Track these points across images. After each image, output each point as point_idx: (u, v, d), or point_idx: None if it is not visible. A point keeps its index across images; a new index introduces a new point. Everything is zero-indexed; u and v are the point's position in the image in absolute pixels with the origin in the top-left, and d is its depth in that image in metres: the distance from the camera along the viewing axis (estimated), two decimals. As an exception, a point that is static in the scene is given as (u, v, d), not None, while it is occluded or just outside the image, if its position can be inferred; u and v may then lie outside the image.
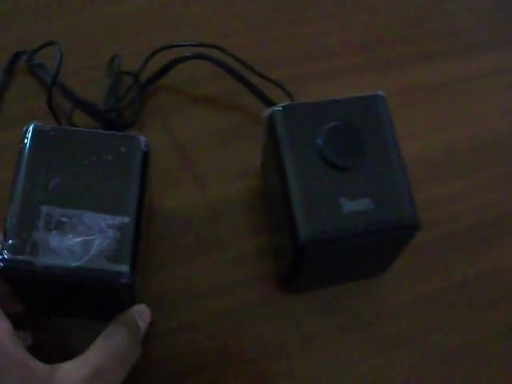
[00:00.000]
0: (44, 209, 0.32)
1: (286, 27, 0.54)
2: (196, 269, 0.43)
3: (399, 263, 0.41)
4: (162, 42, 0.47)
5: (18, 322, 0.32)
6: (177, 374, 0.39)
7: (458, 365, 0.42)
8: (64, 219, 0.32)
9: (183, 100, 0.49)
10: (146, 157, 0.35)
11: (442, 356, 0.42)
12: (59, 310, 0.39)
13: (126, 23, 0.52)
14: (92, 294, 0.34)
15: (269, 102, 0.46)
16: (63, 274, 0.31)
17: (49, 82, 0.44)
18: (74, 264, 0.31)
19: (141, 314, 0.35)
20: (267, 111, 0.39)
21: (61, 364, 0.30)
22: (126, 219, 0.32)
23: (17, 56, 0.49)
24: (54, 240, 0.31)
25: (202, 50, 0.47)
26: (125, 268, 0.31)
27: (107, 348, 0.32)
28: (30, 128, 0.34)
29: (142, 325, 0.34)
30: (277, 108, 0.38)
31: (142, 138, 0.35)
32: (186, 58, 0.47)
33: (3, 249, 0.31)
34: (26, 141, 0.34)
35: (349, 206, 0.35)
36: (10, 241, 0.31)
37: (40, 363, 0.30)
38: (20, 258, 0.31)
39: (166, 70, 0.48)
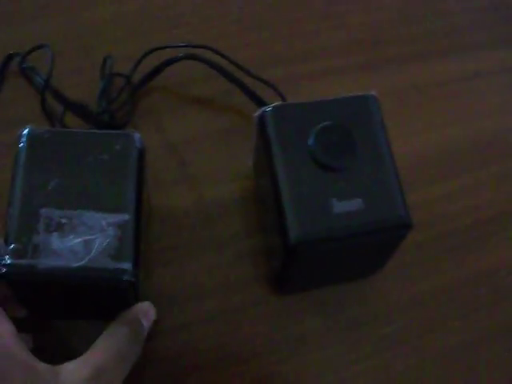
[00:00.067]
0: (43, 211, 0.32)
1: (279, 28, 0.54)
2: (189, 270, 0.43)
3: (393, 263, 0.41)
4: (155, 43, 0.47)
5: (19, 325, 0.32)
6: (171, 375, 0.39)
7: (453, 365, 0.42)
8: (64, 220, 0.32)
9: (175, 101, 0.49)
10: (141, 153, 0.35)
11: (437, 356, 0.42)
12: (63, 313, 0.39)
13: (118, 25, 0.52)
14: (95, 294, 0.34)
15: (261, 103, 0.46)
16: (66, 275, 0.31)
17: (41, 85, 0.44)
18: (77, 264, 0.31)
19: (145, 312, 0.35)
20: (258, 112, 0.39)
21: (64, 364, 0.31)
22: (126, 216, 0.32)
23: (9, 58, 0.49)
24: (55, 242, 0.31)
25: (194, 50, 0.47)
26: (127, 265, 0.31)
27: (110, 347, 0.32)
28: (26, 131, 0.34)
29: (146, 323, 0.34)
30: (267, 108, 0.38)
31: (137, 135, 0.35)
32: (178, 59, 0.47)
33: (5, 254, 0.31)
34: (21, 144, 0.34)
35: (340, 206, 0.35)
36: (12, 245, 0.31)
37: (44, 364, 0.30)
38: (22, 261, 0.31)
39: (157, 71, 0.48)
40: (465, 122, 0.52)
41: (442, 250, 0.45)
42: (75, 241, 0.31)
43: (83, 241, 0.31)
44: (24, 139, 0.34)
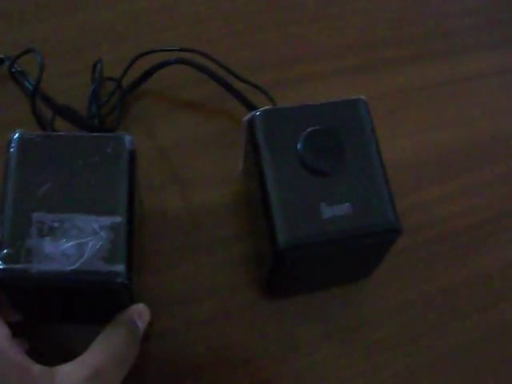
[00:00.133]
0: (35, 216, 0.32)
1: (270, 31, 0.54)
2: (179, 274, 0.42)
3: (385, 267, 0.41)
4: (145, 47, 0.47)
5: (14, 329, 0.32)
6: (162, 378, 0.39)
7: (445, 369, 0.42)
8: (56, 224, 0.32)
9: (166, 105, 0.49)
10: (132, 155, 0.35)
11: (429, 361, 0.42)
12: (58, 316, 0.39)
13: (108, 28, 0.52)
14: (89, 298, 0.34)
15: (252, 107, 0.46)
16: (59, 279, 0.31)
17: (30, 90, 0.43)
18: (70, 268, 0.31)
19: (139, 313, 0.35)
20: (247, 116, 0.39)
21: (60, 366, 0.31)
22: (118, 219, 0.33)
23: (0, 61, 0.49)
24: (48, 246, 0.31)
25: (184, 54, 0.47)
26: (120, 268, 0.31)
27: (106, 349, 0.32)
28: (16, 136, 0.34)
29: (141, 324, 0.34)
30: (257, 113, 0.38)
31: (128, 137, 0.35)
32: (169, 63, 0.47)
33: None
34: (12, 149, 0.34)
35: (329, 211, 0.35)
36: (4, 250, 0.31)
37: (39, 366, 0.30)
38: (15, 266, 0.31)
39: (148, 75, 0.48)
40: (463, 123, 0.52)
41: (433, 254, 0.46)
42: (68, 244, 0.31)
43: (76, 244, 0.31)
44: (14, 144, 0.34)
